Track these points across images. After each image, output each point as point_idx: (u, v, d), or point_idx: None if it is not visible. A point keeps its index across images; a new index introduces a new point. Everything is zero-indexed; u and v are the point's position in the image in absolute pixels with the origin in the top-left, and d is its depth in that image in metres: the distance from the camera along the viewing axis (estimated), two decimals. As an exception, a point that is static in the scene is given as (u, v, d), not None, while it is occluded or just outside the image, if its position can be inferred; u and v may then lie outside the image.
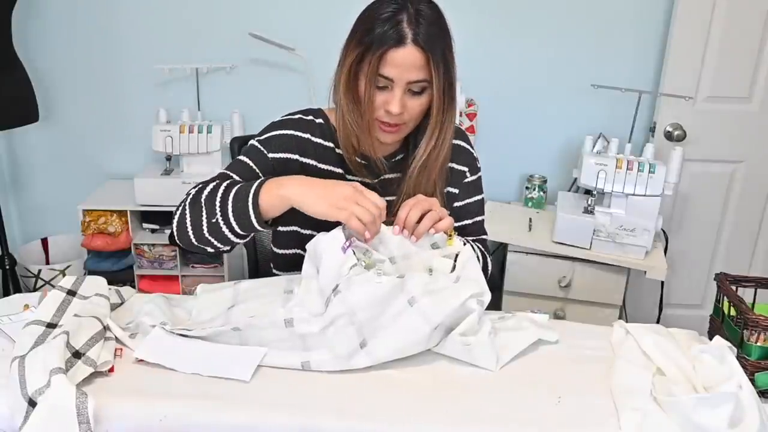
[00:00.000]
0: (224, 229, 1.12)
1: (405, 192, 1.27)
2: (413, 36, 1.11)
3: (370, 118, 1.19)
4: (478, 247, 1.35)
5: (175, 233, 1.18)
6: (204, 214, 1.13)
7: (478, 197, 1.42)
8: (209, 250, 1.18)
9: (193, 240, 1.16)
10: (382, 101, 1.17)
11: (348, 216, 1.07)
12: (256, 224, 1.10)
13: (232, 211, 1.11)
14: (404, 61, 1.12)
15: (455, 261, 1.19)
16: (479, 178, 1.42)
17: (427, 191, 1.27)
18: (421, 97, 1.18)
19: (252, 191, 1.10)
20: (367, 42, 1.13)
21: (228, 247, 1.18)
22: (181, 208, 1.17)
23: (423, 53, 1.12)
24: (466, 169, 1.39)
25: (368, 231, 1.09)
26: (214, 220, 1.12)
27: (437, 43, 1.14)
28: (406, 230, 1.16)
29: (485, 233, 1.44)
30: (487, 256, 1.39)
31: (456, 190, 1.38)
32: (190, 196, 1.17)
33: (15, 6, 2.22)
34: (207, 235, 1.14)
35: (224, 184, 1.15)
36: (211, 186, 1.16)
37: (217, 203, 1.12)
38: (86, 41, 2.49)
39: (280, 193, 1.09)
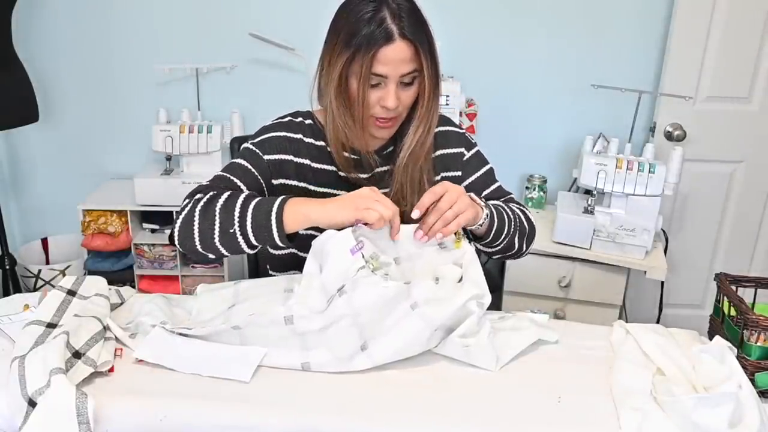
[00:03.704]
0: (240, 240, 1.12)
1: (395, 181, 1.29)
2: (399, 31, 1.14)
3: (365, 117, 1.21)
4: (516, 207, 1.36)
5: (176, 237, 1.17)
6: (218, 223, 1.12)
7: (486, 168, 1.42)
8: (211, 256, 1.17)
9: (199, 247, 1.15)
10: (376, 98, 1.19)
11: (372, 215, 1.08)
12: (277, 240, 1.11)
13: (252, 224, 1.11)
14: (396, 57, 1.14)
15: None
16: (478, 151, 1.43)
17: (414, 179, 1.29)
18: (411, 87, 1.21)
19: (275, 208, 1.10)
20: (355, 44, 1.14)
21: (231, 255, 1.18)
22: (186, 212, 1.15)
23: (412, 45, 1.15)
24: (461, 149, 1.40)
25: (393, 232, 1.13)
26: (231, 230, 1.12)
27: (422, 33, 1.17)
28: (419, 231, 1.18)
29: (510, 193, 1.44)
30: (526, 212, 1.39)
31: (459, 173, 1.39)
32: (200, 202, 1.15)
33: (15, 6, 2.22)
34: (218, 243, 1.14)
35: (242, 195, 1.14)
36: (226, 195, 1.15)
37: (236, 215, 1.12)
38: (86, 41, 2.49)
39: (303, 211, 1.10)
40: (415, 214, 1.17)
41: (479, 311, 1.09)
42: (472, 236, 1.30)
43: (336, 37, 1.18)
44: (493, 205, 1.28)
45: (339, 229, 1.12)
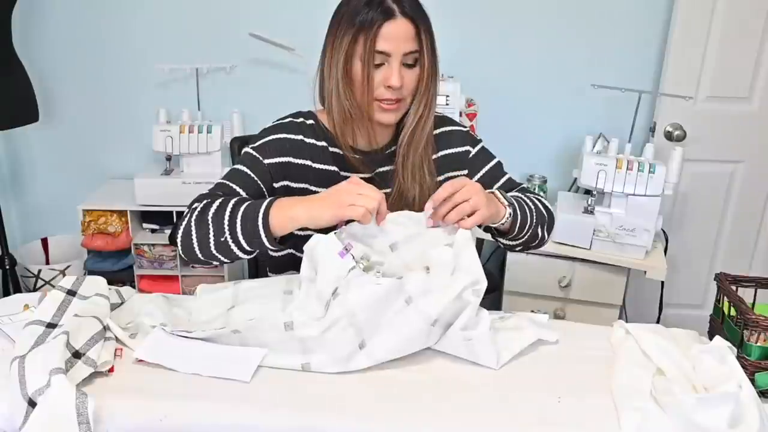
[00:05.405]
0: (233, 246, 1.14)
1: (396, 173, 1.30)
2: (400, 9, 1.18)
3: (370, 98, 1.22)
4: (532, 196, 1.37)
5: (179, 247, 1.19)
6: (212, 231, 1.14)
7: (493, 162, 1.42)
8: (214, 263, 1.20)
9: (199, 255, 1.17)
10: (380, 78, 1.21)
11: (357, 210, 1.07)
12: (267, 244, 1.12)
13: (242, 231, 1.12)
14: (398, 33, 1.17)
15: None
16: (484, 147, 1.43)
17: (414, 167, 1.29)
18: (415, 69, 1.23)
19: (261, 213, 1.11)
20: (357, 24, 1.17)
21: (232, 261, 1.19)
22: (185, 222, 1.18)
23: (413, 23, 1.19)
24: (466, 147, 1.40)
25: (379, 218, 1.13)
26: (222, 239, 1.14)
27: (421, 14, 1.21)
28: (430, 220, 1.18)
29: (521, 183, 1.45)
30: (542, 199, 1.39)
31: (466, 171, 1.39)
32: (196, 211, 1.17)
33: (15, 6, 2.22)
34: (214, 251, 1.16)
35: (232, 202, 1.16)
36: (217, 203, 1.16)
37: (226, 222, 1.13)
38: (86, 41, 2.49)
39: (289, 215, 1.11)
40: (428, 205, 1.17)
41: (476, 300, 1.09)
42: (496, 232, 1.31)
43: (338, 23, 1.21)
44: (512, 197, 1.29)
45: (325, 231, 1.12)
